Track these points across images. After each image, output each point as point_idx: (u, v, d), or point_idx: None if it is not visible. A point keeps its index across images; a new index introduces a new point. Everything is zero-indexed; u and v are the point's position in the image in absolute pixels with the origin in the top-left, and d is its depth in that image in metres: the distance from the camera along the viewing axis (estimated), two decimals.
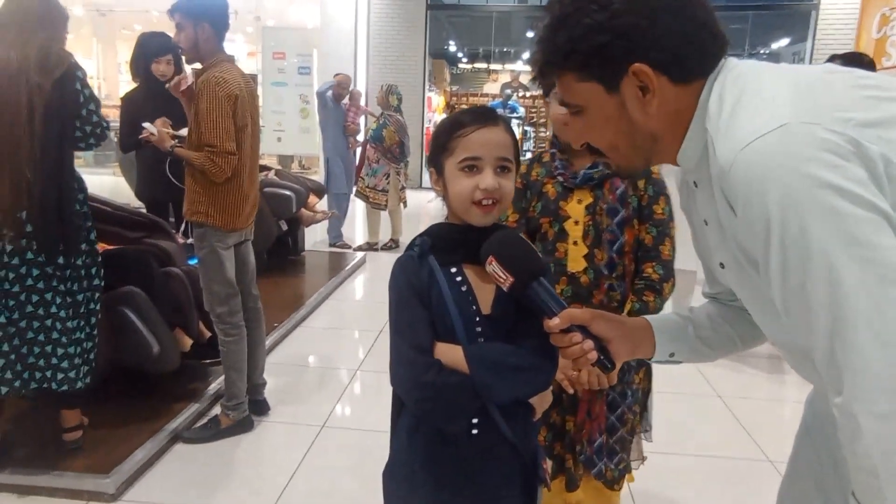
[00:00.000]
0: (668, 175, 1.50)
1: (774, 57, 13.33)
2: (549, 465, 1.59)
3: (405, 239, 6.09)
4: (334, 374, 3.44)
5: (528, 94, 13.14)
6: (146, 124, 2.62)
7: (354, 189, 6.13)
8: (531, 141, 13.07)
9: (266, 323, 2.92)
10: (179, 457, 2.51)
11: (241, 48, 11.33)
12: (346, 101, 6.32)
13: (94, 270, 2.33)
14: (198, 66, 2.50)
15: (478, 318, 1.12)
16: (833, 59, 3.20)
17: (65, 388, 2.24)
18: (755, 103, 0.76)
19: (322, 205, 5.81)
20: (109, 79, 12.36)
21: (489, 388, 1.06)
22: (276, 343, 3.67)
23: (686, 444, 2.73)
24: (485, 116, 1.12)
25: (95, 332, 2.35)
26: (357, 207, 6.85)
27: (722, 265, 0.94)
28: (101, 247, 2.53)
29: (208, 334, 3.10)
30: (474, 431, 1.11)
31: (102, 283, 2.37)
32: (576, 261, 1.56)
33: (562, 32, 0.85)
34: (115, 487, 2.21)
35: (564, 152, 1.60)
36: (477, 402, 1.08)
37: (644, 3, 0.81)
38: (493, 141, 1.10)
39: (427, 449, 1.13)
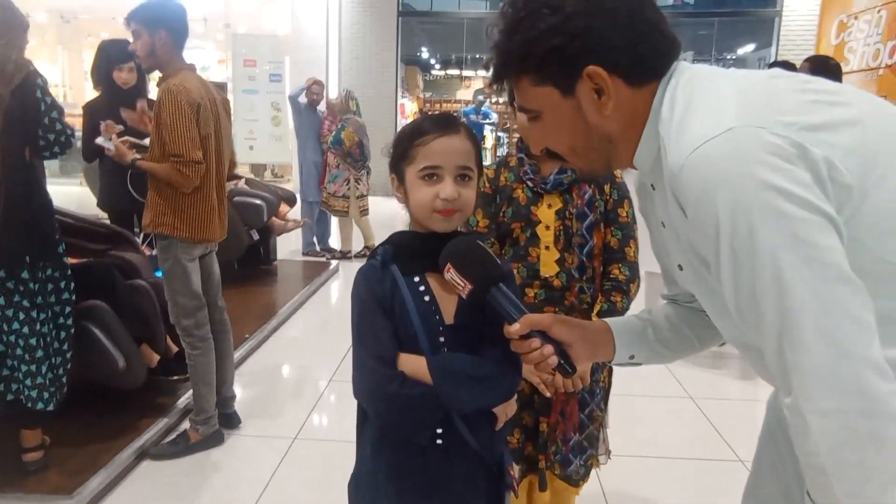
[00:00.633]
0: (628, 178, 1.53)
1: (741, 62, 13.57)
2: (515, 470, 1.59)
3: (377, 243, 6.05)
4: (307, 385, 3.40)
5: (501, 100, 13.22)
6: (100, 140, 2.57)
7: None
8: (504, 147, 13.13)
9: (237, 334, 2.88)
10: (147, 475, 2.45)
11: (211, 55, 11.21)
12: (322, 108, 6.28)
13: (63, 284, 2.27)
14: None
15: (441, 328, 1.11)
16: (775, 64, 3.29)
17: (29, 406, 2.18)
18: (703, 108, 0.77)
19: (294, 213, 5.75)
20: (75, 87, 12.13)
21: (452, 398, 1.06)
22: (248, 354, 3.61)
23: (658, 445, 2.75)
24: (445, 124, 1.11)
25: (67, 348, 2.29)
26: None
27: (680, 267, 0.95)
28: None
29: (176, 349, 3.04)
30: (439, 441, 1.11)
31: (73, 297, 2.32)
32: (548, 265, 1.59)
33: (516, 36, 0.85)
34: None
35: (532, 157, 1.62)
36: (440, 413, 1.07)
37: (597, 5, 0.82)
38: (454, 149, 1.09)
39: (392, 459, 1.12)
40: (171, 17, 2.40)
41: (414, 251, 1.13)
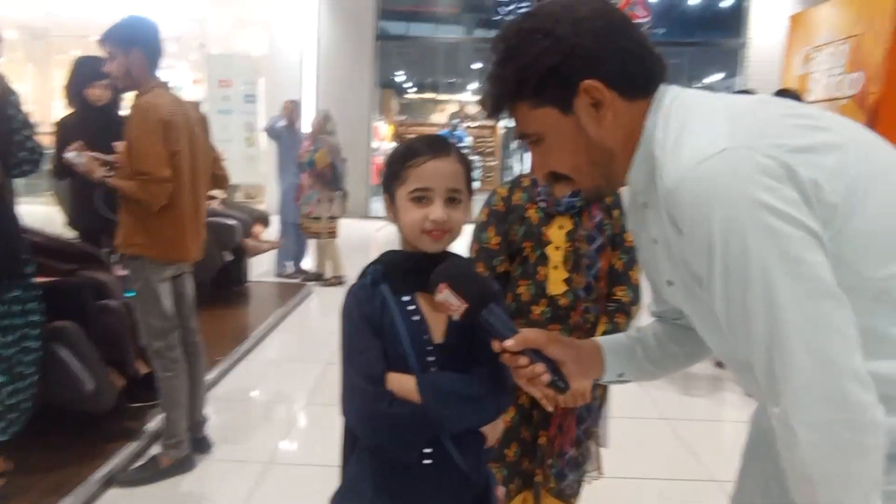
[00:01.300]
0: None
1: (710, 90, 13.98)
2: (501, 492, 1.59)
3: (352, 272, 5.96)
4: (281, 409, 3.34)
5: (475, 124, 13.37)
6: (69, 155, 2.53)
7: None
8: (479, 170, 13.25)
9: (209, 356, 2.82)
10: (114, 502, 2.36)
11: (185, 76, 11.14)
12: (304, 128, 6.28)
13: (31, 305, 2.20)
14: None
15: (430, 348, 1.11)
16: (738, 93, 3.43)
17: None
18: (698, 129, 0.80)
19: (270, 234, 5.70)
20: (42, 105, 11.92)
21: (441, 417, 1.06)
22: (220, 377, 3.53)
23: (634, 468, 2.75)
24: (437, 146, 1.12)
25: (33, 372, 2.21)
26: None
27: (670, 282, 0.97)
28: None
29: (145, 370, 2.97)
30: (427, 461, 1.10)
31: (43, 319, 2.24)
32: (556, 284, 1.63)
33: (510, 64, 0.88)
34: None
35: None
36: (429, 433, 1.07)
37: (586, 27, 0.85)
38: (445, 172, 1.10)
39: (380, 478, 1.11)
40: (145, 36, 2.38)
41: (405, 270, 1.13)
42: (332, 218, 5.85)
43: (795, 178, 0.74)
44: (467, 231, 1.45)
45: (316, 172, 5.68)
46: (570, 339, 1.06)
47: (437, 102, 17.60)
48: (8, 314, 2.13)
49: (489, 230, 1.66)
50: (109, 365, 2.69)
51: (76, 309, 2.62)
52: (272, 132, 6.21)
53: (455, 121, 12.43)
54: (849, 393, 0.70)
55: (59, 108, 3.51)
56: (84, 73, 3.33)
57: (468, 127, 12.98)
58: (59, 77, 3.50)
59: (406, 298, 1.12)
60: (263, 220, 5.54)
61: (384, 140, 13.65)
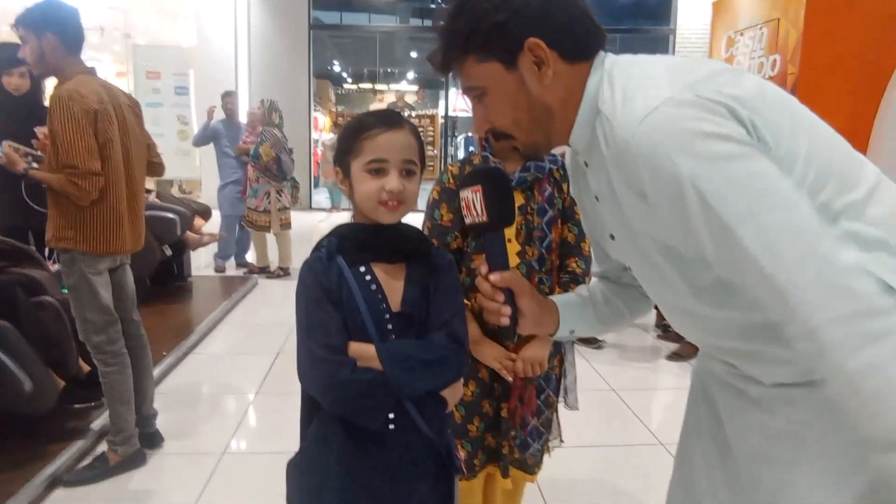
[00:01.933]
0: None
1: None
2: (461, 455, 1.63)
3: (297, 263, 5.88)
4: (232, 401, 3.29)
5: (414, 113, 13.35)
6: None
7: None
8: None
9: (154, 352, 2.74)
10: (61, 503, 2.29)
11: (108, 68, 10.65)
12: (242, 119, 6.13)
13: None
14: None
15: (388, 316, 1.13)
16: None
17: None
18: (643, 84, 0.85)
19: (213, 227, 5.56)
20: None
21: (403, 382, 1.08)
22: (166, 372, 3.44)
23: (585, 435, 2.86)
24: (391, 119, 1.14)
25: None
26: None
27: (612, 236, 1.02)
28: None
29: (87, 369, 2.87)
30: (391, 427, 1.12)
31: None
32: (510, 257, 1.63)
33: (461, 18, 0.92)
34: None
35: (496, 156, 1.67)
36: (393, 398, 1.09)
37: None
38: (399, 143, 1.12)
39: (344, 445, 1.12)
40: (58, 19, 2.27)
41: (359, 242, 1.15)
42: (284, 209, 5.77)
43: (737, 115, 0.80)
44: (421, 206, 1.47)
45: (261, 166, 5.58)
46: (539, 297, 1.10)
47: (375, 92, 17.48)
48: None
49: (441, 207, 1.67)
50: (49, 365, 2.59)
51: (9, 308, 2.51)
52: (203, 139, 6.03)
53: (395, 110, 12.36)
54: (852, 284, 0.72)
55: None
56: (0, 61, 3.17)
57: (408, 116, 12.93)
58: None
59: (362, 269, 1.13)
60: (204, 213, 5.39)
61: (323, 131, 13.46)
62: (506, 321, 1.02)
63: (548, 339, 1.64)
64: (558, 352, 1.78)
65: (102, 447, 2.54)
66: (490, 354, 1.61)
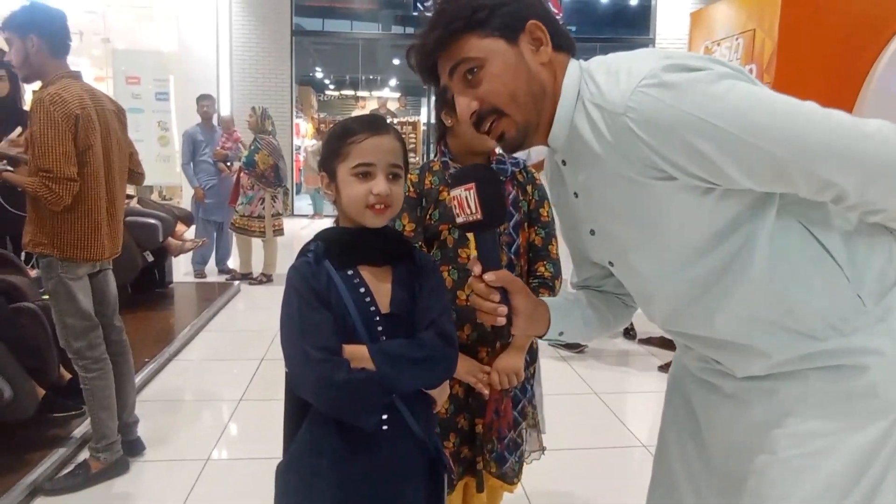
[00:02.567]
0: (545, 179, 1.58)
1: None
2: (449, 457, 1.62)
3: (280, 271, 5.87)
4: (215, 407, 3.27)
5: (396, 120, 13.35)
6: None
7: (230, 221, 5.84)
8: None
9: (135, 359, 2.72)
10: None
11: (87, 72, 10.51)
12: (216, 124, 6.09)
13: None
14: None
15: (377, 318, 1.15)
16: None
17: None
18: (624, 65, 0.90)
19: (192, 233, 5.52)
20: None
21: (396, 381, 1.10)
22: (148, 379, 3.42)
23: (569, 439, 2.89)
24: (376, 124, 1.17)
25: None
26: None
27: (592, 231, 1.04)
28: None
29: (68, 376, 2.83)
30: (384, 427, 1.14)
31: None
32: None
33: None
34: None
35: (456, 160, 1.64)
36: (386, 397, 1.11)
37: None
38: (385, 148, 1.14)
39: (337, 446, 1.13)
40: (43, 21, 2.26)
41: (345, 246, 1.17)
42: (277, 215, 5.76)
43: (719, 62, 0.87)
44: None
45: (256, 174, 5.56)
46: (532, 296, 1.10)
47: (357, 99, 17.47)
48: None
49: (403, 218, 1.61)
50: (29, 372, 2.55)
51: None
52: (188, 154, 5.98)
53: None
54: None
55: None
56: None
57: (391, 122, 12.94)
58: None
59: (350, 272, 1.15)
60: (187, 219, 5.35)
61: (305, 137, 13.43)
62: (502, 321, 1.02)
63: (522, 349, 1.61)
64: (533, 360, 1.75)
65: (84, 455, 2.52)
66: (463, 368, 1.54)
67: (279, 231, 5.83)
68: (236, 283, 5.69)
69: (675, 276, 0.96)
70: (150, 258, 4.57)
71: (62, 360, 2.76)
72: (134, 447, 2.61)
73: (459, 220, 1.02)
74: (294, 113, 11.01)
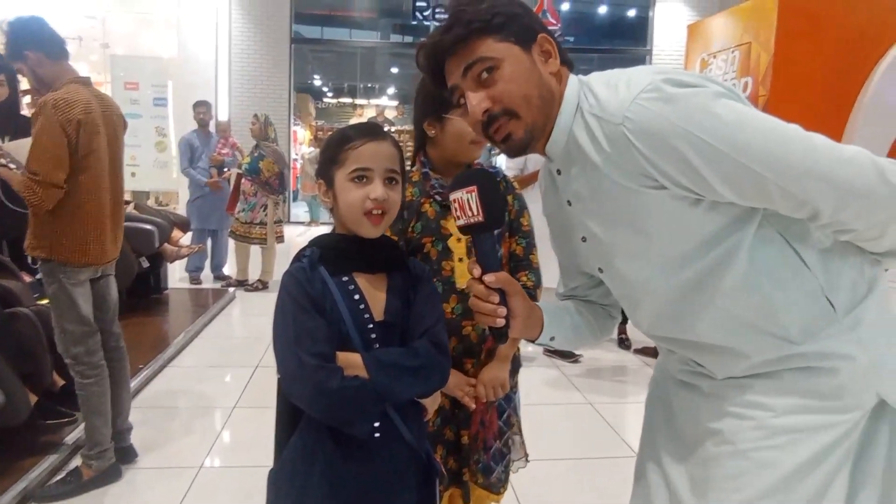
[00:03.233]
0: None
1: None
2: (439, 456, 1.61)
3: (276, 278, 5.85)
4: (209, 414, 3.25)
5: (394, 128, 13.40)
6: None
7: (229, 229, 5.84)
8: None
9: (130, 365, 2.71)
10: None
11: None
12: (213, 130, 6.10)
13: None
14: None
15: (371, 325, 1.15)
16: None
17: None
18: (623, 77, 0.94)
19: (188, 239, 5.51)
20: None
21: (390, 389, 1.10)
22: (142, 385, 3.40)
23: (566, 449, 2.89)
24: (373, 131, 1.18)
25: None
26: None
27: (584, 239, 1.07)
28: None
29: (61, 382, 2.82)
30: (376, 435, 1.14)
31: None
32: (463, 276, 1.58)
33: (486, 3, 0.99)
34: None
35: (437, 171, 1.63)
36: (380, 405, 1.11)
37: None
38: (383, 153, 1.15)
39: (330, 455, 1.13)
40: (26, 35, 2.27)
41: (340, 252, 1.17)
42: (278, 222, 5.76)
43: (713, 80, 0.91)
44: None
45: (261, 181, 5.56)
46: (528, 299, 1.10)
47: (355, 107, 17.52)
48: None
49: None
50: (22, 377, 2.54)
51: None
52: (185, 160, 5.98)
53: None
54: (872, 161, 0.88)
55: None
56: None
57: (389, 130, 12.97)
58: None
59: (345, 279, 1.15)
60: (183, 224, 5.35)
61: (302, 144, 13.45)
62: (501, 322, 1.03)
63: (507, 359, 1.61)
64: (517, 370, 1.74)
65: (76, 462, 2.50)
66: (451, 382, 1.52)
67: (280, 238, 5.83)
68: (232, 289, 5.68)
69: (662, 282, 1.00)
70: (146, 264, 4.56)
71: (55, 366, 2.75)
72: (126, 454, 2.60)
73: (460, 222, 1.03)
74: (291, 120, 11.03)
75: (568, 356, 4.13)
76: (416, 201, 1.62)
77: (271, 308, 1.13)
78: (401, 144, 1.24)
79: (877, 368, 0.95)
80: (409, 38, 12.19)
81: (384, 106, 15.68)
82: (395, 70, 15.16)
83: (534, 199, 1.33)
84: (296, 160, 12.00)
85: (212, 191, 5.86)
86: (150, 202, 10.20)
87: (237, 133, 6.84)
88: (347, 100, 18.05)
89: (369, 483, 1.14)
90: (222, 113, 9.53)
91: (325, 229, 1.27)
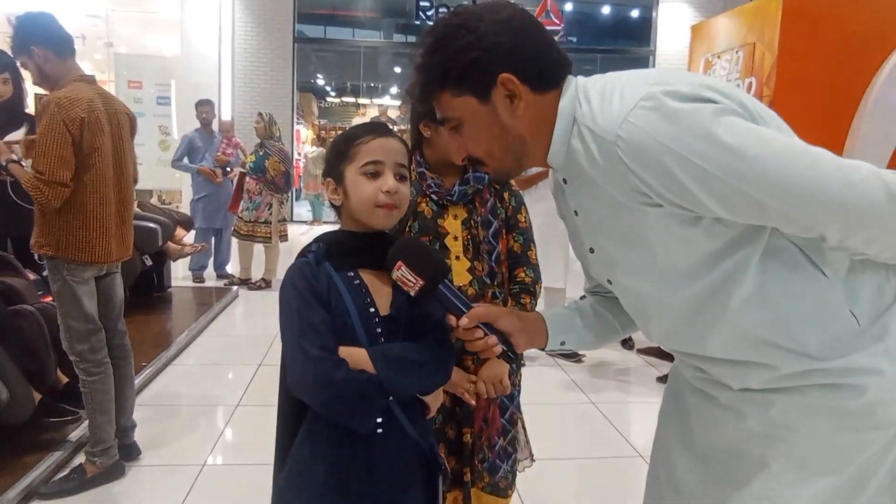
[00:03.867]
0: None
1: None
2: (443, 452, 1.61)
3: (279, 276, 5.85)
4: (212, 412, 3.26)
5: (396, 127, 13.41)
6: None
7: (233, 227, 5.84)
8: None
9: (133, 363, 2.71)
10: None
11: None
12: (216, 129, 6.11)
13: None
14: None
15: (377, 320, 1.15)
16: None
17: None
18: (617, 89, 0.90)
19: (191, 237, 5.52)
20: None
21: (395, 384, 1.10)
22: (146, 383, 3.41)
23: (570, 449, 2.89)
24: (381, 128, 1.19)
25: None
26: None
27: (591, 250, 1.06)
28: None
29: (65, 380, 2.83)
30: (379, 430, 1.14)
31: None
32: (461, 275, 1.59)
33: (438, 54, 0.96)
34: None
35: (433, 171, 1.64)
36: (385, 399, 1.11)
37: (505, 25, 0.94)
38: (392, 147, 1.16)
39: (333, 453, 1.13)
40: (37, 30, 2.27)
41: (346, 248, 1.18)
42: (283, 220, 5.77)
43: (707, 95, 0.86)
44: None
45: (266, 179, 5.56)
46: (516, 312, 1.13)
47: (358, 106, 17.52)
48: None
49: None
50: (26, 374, 2.55)
51: None
52: (187, 142, 5.98)
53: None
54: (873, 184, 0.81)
55: None
56: None
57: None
58: None
59: (350, 274, 1.15)
60: (186, 222, 5.36)
61: (305, 143, 13.46)
62: (498, 349, 1.06)
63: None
64: (519, 367, 1.74)
65: (80, 459, 2.51)
66: (452, 380, 1.53)
67: (284, 236, 5.84)
68: (235, 288, 5.69)
69: (669, 297, 0.97)
70: (149, 262, 4.58)
71: (59, 364, 2.76)
72: (130, 451, 2.61)
73: (411, 293, 1.08)
74: (294, 119, 11.04)
75: (571, 356, 4.12)
76: (412, 201, 1.62)
77: (274, 307, 1.14)
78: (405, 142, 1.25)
79: None
80: (412, 38, 12.20)
81: (387, 105, 15.65)
82: (397, 70, 15.16)
83: (534, 199, 1.34)
84: (298, 159, 12.01)
85: (206, 178, 5.83)
86: (154, 200, 10.23)
87: (240, 132, 6.85)
88: (350, 99, 18.05)
89: (374, 480, 1.14)
90: (225, 112, 9.54)
91: (328, 228, 1.28)
